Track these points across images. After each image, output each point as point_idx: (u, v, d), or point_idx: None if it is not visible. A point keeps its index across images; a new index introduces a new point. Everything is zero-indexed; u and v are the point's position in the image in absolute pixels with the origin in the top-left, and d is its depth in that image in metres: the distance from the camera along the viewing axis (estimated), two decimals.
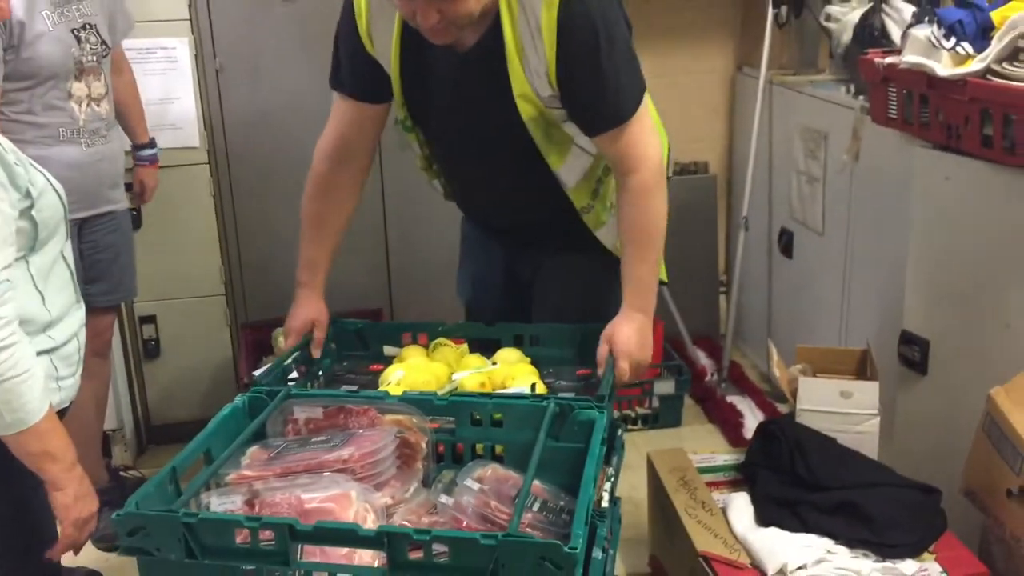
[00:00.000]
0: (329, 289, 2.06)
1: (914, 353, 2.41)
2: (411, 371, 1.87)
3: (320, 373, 2.00)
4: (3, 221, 1.42)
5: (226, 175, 3.22)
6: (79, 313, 1.64)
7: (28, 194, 1.49)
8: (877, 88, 2.51)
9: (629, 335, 1.82)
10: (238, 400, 1.76)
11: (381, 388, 1.83)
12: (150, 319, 3.12)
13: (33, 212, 1.50)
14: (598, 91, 1.71)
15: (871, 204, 2.78)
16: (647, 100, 1.82)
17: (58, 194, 1.57)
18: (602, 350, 1.83)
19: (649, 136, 1.79)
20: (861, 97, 2.81)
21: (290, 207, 3.29)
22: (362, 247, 3.24)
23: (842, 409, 2.25)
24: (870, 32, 2.83)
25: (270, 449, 1.61)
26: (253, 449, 1.61)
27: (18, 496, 1.61)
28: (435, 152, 2.02)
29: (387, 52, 1.79)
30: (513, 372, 1.86)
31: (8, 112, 2.28)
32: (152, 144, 2.82)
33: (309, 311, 1.96)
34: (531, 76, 1.70)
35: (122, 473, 2.92)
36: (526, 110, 1.75)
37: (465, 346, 2.04)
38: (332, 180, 1.97)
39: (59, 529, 1.61)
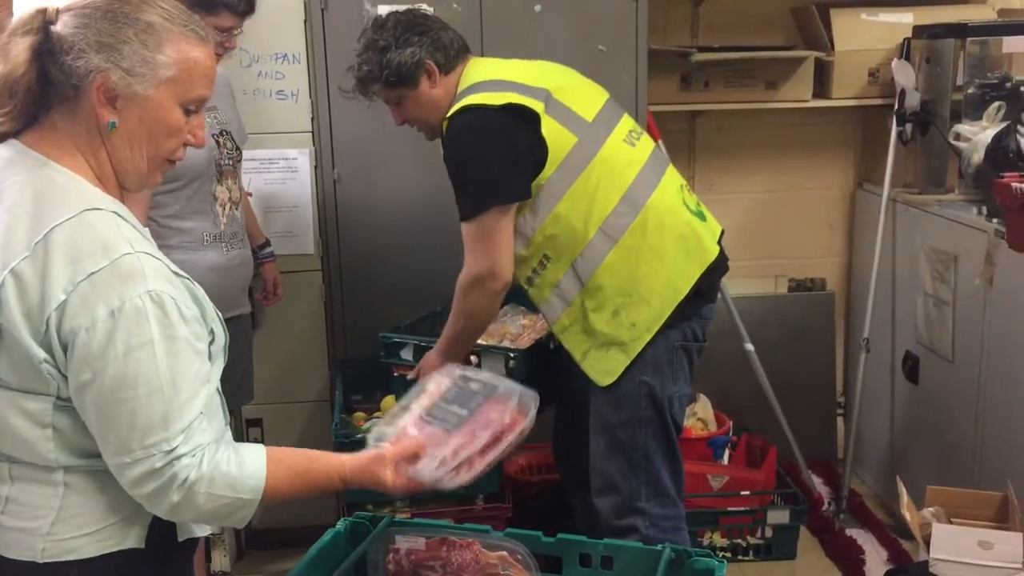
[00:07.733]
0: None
1: None
2: None
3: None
4: (200, 360, 1.34)
5: (338, 283, 3.24)
6: (227, 436, 1.55)
7: (211, 332, 1.39)
8: (1014, 214, 2.39)
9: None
10: (340, 525, 1.72)
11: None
12: (256, 422, 3.13)
13: (211, 347, 1.40)
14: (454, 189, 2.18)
15: (1007, 330, 2.61)
16: (499, 222, 2.10)
17: (221, 323, 1.45)
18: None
19: (473, 247, 2.14)
20: (995, 220, 2.67)
21: (398, 315, 3.32)
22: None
23: (982, 561, 2.07)
24: (1004, 153, 2.71)
25: None
26: None
27: None
28: None
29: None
30: None
31: (155, 216, 2.34)
32: (269, 243, 2.90)
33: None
34: None
35: None
36: None
37: None
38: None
39: None
